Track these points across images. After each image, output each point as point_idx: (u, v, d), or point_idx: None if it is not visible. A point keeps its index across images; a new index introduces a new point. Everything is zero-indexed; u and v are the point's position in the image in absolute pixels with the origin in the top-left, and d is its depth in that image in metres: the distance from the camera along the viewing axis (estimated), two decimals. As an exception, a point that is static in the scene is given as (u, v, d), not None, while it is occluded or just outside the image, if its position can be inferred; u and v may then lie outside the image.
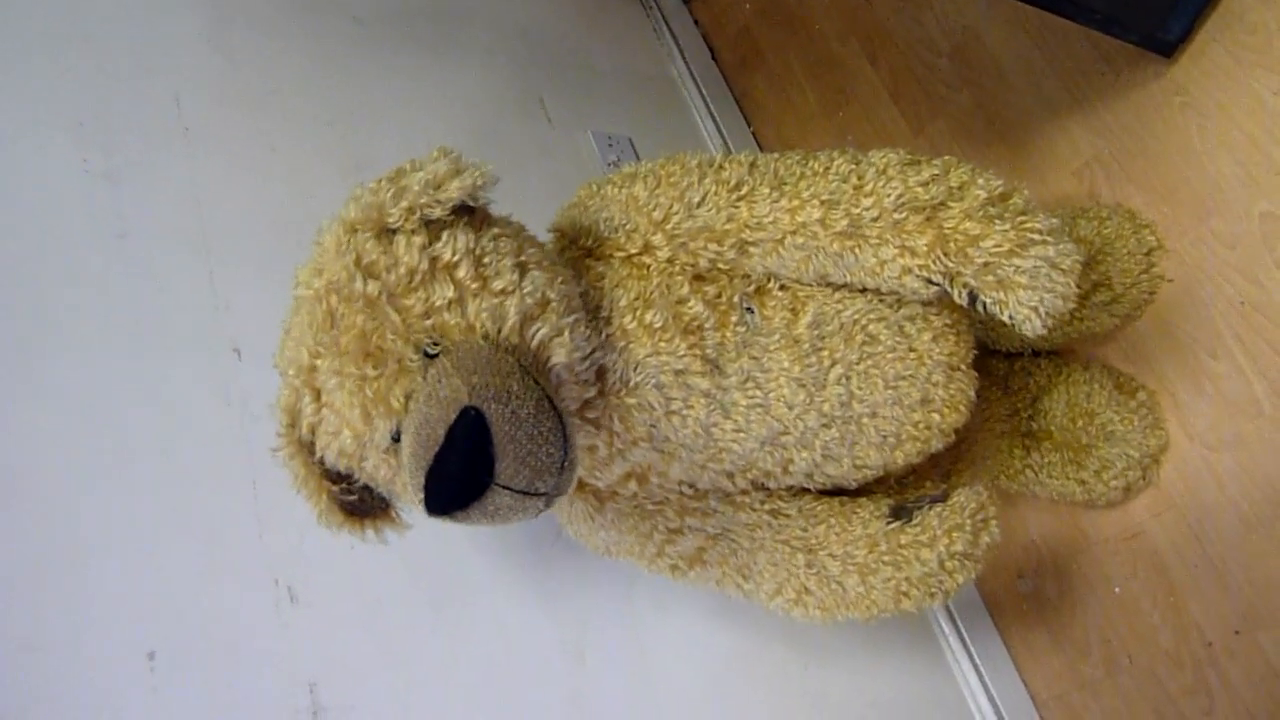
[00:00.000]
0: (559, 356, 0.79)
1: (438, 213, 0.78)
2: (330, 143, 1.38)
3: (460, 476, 0.70)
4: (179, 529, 0.99)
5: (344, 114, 1.42)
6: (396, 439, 0.76)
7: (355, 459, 0.80)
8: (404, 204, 0.77)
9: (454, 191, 0.78)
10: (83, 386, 1.02)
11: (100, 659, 0.90)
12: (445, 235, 0.78)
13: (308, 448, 0.82)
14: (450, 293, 0.76)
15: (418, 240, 0.77)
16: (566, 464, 0.73)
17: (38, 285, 1.04)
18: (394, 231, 0.78)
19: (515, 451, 0.70)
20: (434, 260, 0.77)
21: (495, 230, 0.82)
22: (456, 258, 0.78)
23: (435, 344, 0.76)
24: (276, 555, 1.03)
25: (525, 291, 0.78)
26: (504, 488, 0.70)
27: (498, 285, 0.78)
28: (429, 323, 0.76)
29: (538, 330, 0.78)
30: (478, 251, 0.79)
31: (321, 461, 0.82)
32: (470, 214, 0.82)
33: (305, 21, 1.48)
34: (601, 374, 0.87)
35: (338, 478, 0.84)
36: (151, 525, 0.98)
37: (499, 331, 0.77)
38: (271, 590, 1.01)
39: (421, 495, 0.71)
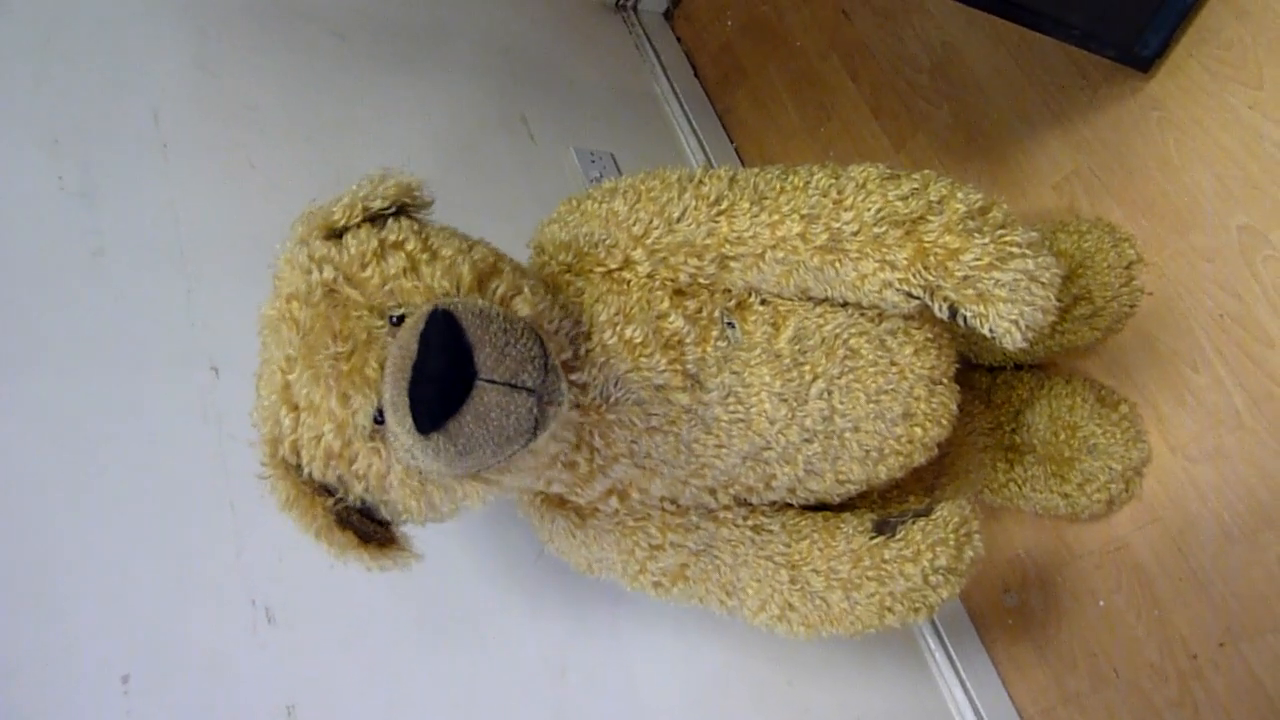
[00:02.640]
0: (523, 309, 0.80)
1: (378, 204, 0.82)
2: (310, 159, 1.37)
3: (442, 375, 0.69)
4: (155, 549, 0.98)
5: (324, 130, 1.41)
6: (379, 420, 0.75)
7: (344, 460, 0.78)
8: (345, 201, 0.81)
9: (392, 186, 0.83)
10: (57, 405, 1.00)
11: (74, 682, 0.89)
12: (390, 223, 0.82)
13: (294, 469, 0.80)
14: (403, 261, 0.79)
15: (364, 230, 0.81)
16: (549, 366, 0.73)
17: (11, 303, 1.03)
18: (343, 233, 0.81)
19: (492, 341, 0.70)
20: (382, 241, 0.80)
21: (438, 227, 0.86)
22: (403, 236, 0.81)
23: (399, 307, 0.77)
24: (254, 576, 1.01)
25: (475, 257, 0.82)
26: (488, 381, 0.69)
27: (447, 252, 0.81)
28: (388, 288, 0.78)
29: (497, 287, 0.81)
30: (423, 235, 0.83)
31: (311, 479, 0.80)
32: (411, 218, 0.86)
33: (285, 36, 1.47)
34: (581, 390, 0.87)
35: (330, 494, 0.82)
36: (127, 545, 0.97)
37: (458, 289, 0.79)
38: (249, 611, 1.00)
39: (409, 420, 0.69)
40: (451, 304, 0.71)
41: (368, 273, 0.78)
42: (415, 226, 0.83)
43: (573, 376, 0.86)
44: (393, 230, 0.81)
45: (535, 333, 0.73)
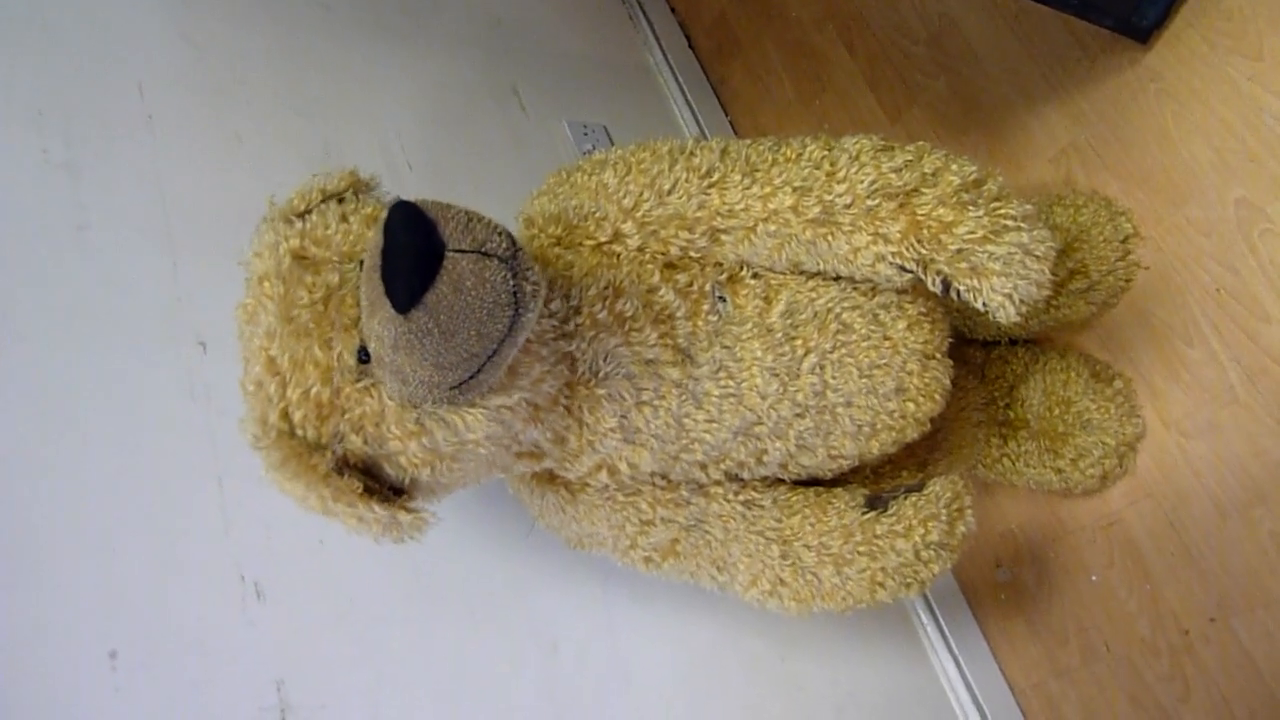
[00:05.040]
0: None
1: (334, 185, 0.84)
2: (298, 132, 1.35)
3: (412, 249, 0.68)
4: (143, 525, 0.97)
5: (312, 102, 1.39)
6: (364, 359, 0.75)
7: (336, 409, 0.76)
8: (301, 188, 0.83)
9: (346, 174, 0.86)
10: (42, 382, 0.99)
11: (61, 659, 0.88)
12: (349, 197, 0.85)
13: (287, 435, 0.77)
14: (366, 219, 0.81)
15: (325, 206, 0.83)
16: (518, 245, 0.72)
17: (-6, 278, 1.02)
18: (305, 215, 0.82)
19: (454, 216, 0.70)
20: (344, 210, 0.82)
21: None
22: (364, 204, 0.84)
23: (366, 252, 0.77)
24: (243, 551, 1.01)
25: None
26: (458, 251, 0.69)
27: None
28: (353, 238, 0.80)
29: None
30: (385, 203, 0.86)
31: (306, 441, 0.77)
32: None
33: (272, 8, 1.45)
34: (571, 364, 0.86)
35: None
36: (114, 522, 0.96)
37: None
38: (238, 587, 0.99)
39: (388, 305, 0.69)
40: (410, 201, 0.71)
41: (331, 231, 0.80)
42: (376, 199, 0.86)
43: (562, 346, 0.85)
44: (352, 202, 0.84)
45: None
